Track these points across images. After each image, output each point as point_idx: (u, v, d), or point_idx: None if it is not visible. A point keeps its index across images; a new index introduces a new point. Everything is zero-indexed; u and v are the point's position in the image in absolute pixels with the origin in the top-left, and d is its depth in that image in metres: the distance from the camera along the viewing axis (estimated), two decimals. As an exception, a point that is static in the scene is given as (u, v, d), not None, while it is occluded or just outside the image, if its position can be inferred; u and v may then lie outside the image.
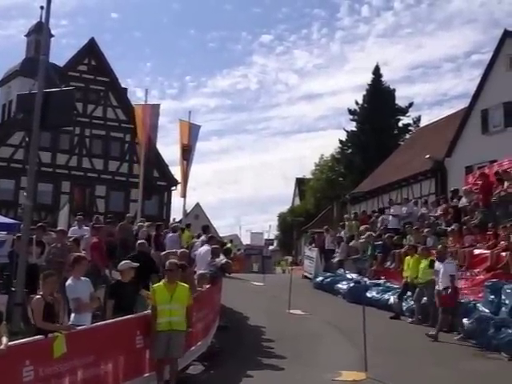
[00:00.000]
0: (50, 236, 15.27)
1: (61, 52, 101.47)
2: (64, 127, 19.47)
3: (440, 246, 15.57)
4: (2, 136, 38.41)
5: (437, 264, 14.61)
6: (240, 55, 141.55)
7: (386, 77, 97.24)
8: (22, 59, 44.42)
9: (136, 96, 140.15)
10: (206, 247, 14.51)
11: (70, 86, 32.44)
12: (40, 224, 14.06)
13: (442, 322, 13.71)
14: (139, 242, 14.57)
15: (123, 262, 10.00)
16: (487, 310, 13.51)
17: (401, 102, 55.31)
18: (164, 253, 14.25)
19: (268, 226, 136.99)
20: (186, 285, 9.39)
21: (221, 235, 60.17)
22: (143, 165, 26.84)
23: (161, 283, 9.36)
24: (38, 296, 7.87)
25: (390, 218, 23.20)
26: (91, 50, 41.38)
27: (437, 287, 14.19)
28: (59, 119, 10.05)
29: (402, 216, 22.77)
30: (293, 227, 56.73)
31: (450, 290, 13.70)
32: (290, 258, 48.78)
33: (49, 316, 7.73)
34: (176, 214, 49.27)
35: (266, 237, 64.32)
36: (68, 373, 7.34)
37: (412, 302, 16.01)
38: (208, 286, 12.15)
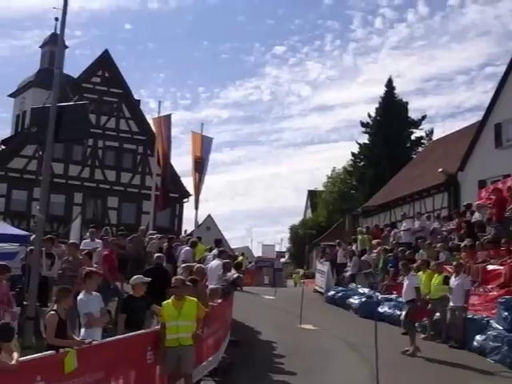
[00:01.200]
0: (59, 249, 15.28)
1: (75, 62, 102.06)
2: (78, 141, 19.52)
3: (455, 263, 15.50)
4: (15, 147, 38.64)
5: (452, 280, 14.57)
6: (253, 66, 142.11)
7: (399, 89, 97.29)
8: (36, 70, 44.79)
9: (149, 107, 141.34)
10: (217, 261, 14.48)
11: (83, 98, 32.65)
12: (49, 236, 14.03)
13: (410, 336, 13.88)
14: (157, 255, 14.46)
15: (135, 276, 9.98)
16: (500, 327, 13.38)
17: (414, 114, 55.42)
18: (184, 265, 14.06)
19: (279, 238, 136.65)
20: (194, 299, 9.33)
21: (232, 247, 60.28)
22: (161, 177, 26.87)
23: (169, 300, 9.32)
24: (52, 312, 7.86)
25: (403, 232, 23.09)
26: (105, 62, 41.61)
27: (451, 304, 14.14)
28: (73, 133, 10.07)
29: (414, 230, 22.67)
30: (305, 240, 56.57)
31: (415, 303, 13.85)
32: (301, 271, 48.54)
33: (61, 332, 7.73)
34: (188, 226, 49.44)
35: (277, 249, 64.32)
36: (78, 388, 7.33)
37: (424, 318, 15.89)
38: (219, 301, 12.11)
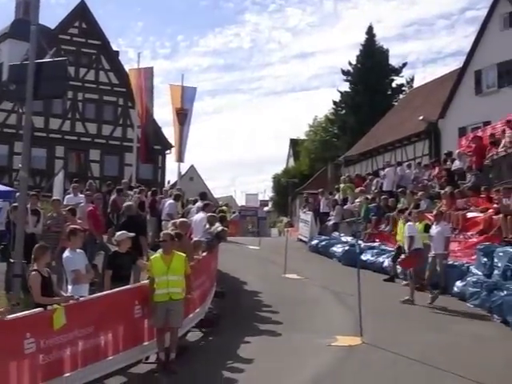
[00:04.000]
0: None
1: (50, 11, 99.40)
2: (57, 98, 19.30)
3: (435, 211, 15.68)
4: (-6, 101, 38.08)
5: (432, 228, 14.79)
6: (232, 13, 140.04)
7: (380, 35, 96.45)
8: (10, 21, 43.83)
9: (128, 57, 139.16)
10: (201, 214, 14.47)
11: (60, 50, 31.93)
12: (33, 192, 13.95)
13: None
14: (126, 204, 14.19)
15: (120, 232, 10.06)
16: (480, 273, 13.68)
17: (395, 60, 55.39)
18: (173, 221, 13.96)
19: (263, 187, 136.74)
20: (182, 254, 9.45)
21: (216, 196, 60.46)
22: (141, 130, 26.66)
23: (157, 254, 9.42)
24: (33, 272, 7.93)
25: (384, 180, 23.27)
26: (82, 13, 40.80)
27: (433, 252, 14.37)
28: (52, 90, 9.98)
29: (395, 179, 22.86)
30: (288, 188, 56.88)
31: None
32: (285, 219, 48.99)
33: (46, 289, 7.83)
34: (170, 177, 49.46)
35: (260, 198, 64.66)
36: (69, 344, 7.52)
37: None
38: (204, 254, 12.25)
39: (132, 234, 10.06)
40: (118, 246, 9.83)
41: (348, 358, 9.51)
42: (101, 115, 41.05)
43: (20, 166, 9.91)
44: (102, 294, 8.73)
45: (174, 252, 9.34)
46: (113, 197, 18.32)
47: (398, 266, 16.25)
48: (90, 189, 18.70)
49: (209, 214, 13.89)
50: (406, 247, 14.19)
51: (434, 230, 14.67)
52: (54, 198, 15.58)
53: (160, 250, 9.51)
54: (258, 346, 10.29)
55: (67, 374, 7.46)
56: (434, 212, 15.64)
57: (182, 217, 15.60)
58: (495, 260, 13.51)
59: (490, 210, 15.80)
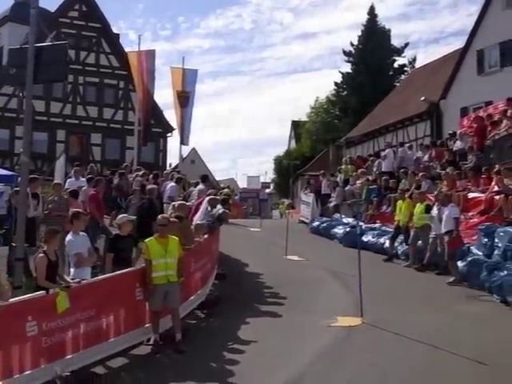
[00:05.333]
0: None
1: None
2: (57, 82, 19.31)
3: (437, 192, 15.66)
4: (-5, 85, 38.01)
5: (434, 209, 14.79)
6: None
7: (382, 14, 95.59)
8: (10, 4, 43.69)
9: (128, 39, 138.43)
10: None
11: (61, 33, 31.66)
12: (33, 176, 13.92)
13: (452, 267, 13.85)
14: (149, 187, 14.33)
15: (121, 215, 10.12)
16: (480, 253, 13.69)
17: (396, 40, 54.86)
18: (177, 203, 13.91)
19: (264, 169, 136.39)
20: (176, 237, 9.47)
21: (217, 179, 60.53)
22: (141, 112, 26.61)
23: (152, 238, 9.43)
24: (41, 254, 7.99)
25: (384, 161, 23.23)
26: (82, -4, 40.68)
27: (434, 232, 14.38)
28: (52, 74, 9.94)
29: (394, 159, 22.84)
30: (289, 170, 56.87)
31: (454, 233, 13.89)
32: (286, 201, 49.05)
33: (51, 273, 7.90)
34: (172, 160, 49.46)
35: (262, 180, 64.73)
36: (71, 326, 7.61)
37: (406, 246, 16.24)
38: (206, 236, 12.29)
39: (133, 218, 10.12)
40: (119, 229, 9.89)
41: (348, 338, 9.56)
42: (102, 98, 40.95)
43: (21, 150, 9.92)
44: (104, 277, 8.82)
45: (169, 236, 9.38)
46: (116, 181, 18.34)
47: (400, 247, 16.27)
48: (92, 172, 18.75)
49: (210, 197, 13.89)
50: (443, 228, 14.05)
51: (435, 211, 14.70)
52: (56, 181, 15.60)
53: (156, 234, 9.51)
54: (259, 327, 10.36)
55: (69, 356, 7.57)
56: (435, 193, 15.66)
57: (184, 200, 15.63)
58: (496, 240, 13.51)
59: (491, 190, 15.78)
